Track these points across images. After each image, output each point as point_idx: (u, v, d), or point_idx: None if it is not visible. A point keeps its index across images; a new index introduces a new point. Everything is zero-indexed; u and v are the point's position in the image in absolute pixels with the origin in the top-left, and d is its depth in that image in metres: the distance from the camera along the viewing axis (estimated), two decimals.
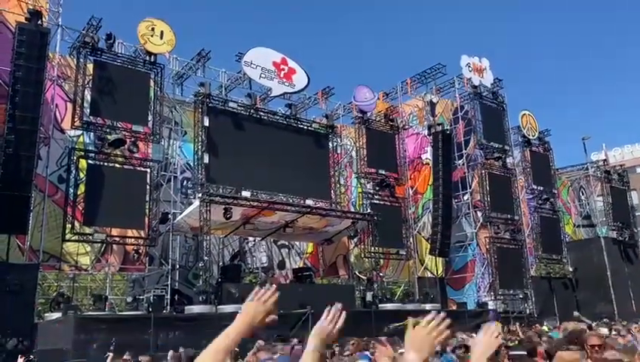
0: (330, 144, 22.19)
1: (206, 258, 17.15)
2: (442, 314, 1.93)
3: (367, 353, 6.29)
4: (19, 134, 14.35)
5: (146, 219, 17.21)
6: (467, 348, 6.52)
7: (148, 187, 17.52)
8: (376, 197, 23.22)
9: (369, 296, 19.63)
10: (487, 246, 23.87)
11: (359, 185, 23.93)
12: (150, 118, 18.01)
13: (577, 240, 30.61)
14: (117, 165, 17.16)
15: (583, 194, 32.84)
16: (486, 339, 2.09)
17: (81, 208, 16.35)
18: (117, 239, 17.40)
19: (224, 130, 18.91)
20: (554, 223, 27.52)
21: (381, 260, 22.41)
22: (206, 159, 17.98)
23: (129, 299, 16.43)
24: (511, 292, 23.94)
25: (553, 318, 21.98)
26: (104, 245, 17.47)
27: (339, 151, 23.42)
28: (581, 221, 32.16)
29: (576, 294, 25.88)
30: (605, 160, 33.17)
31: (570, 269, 27.16)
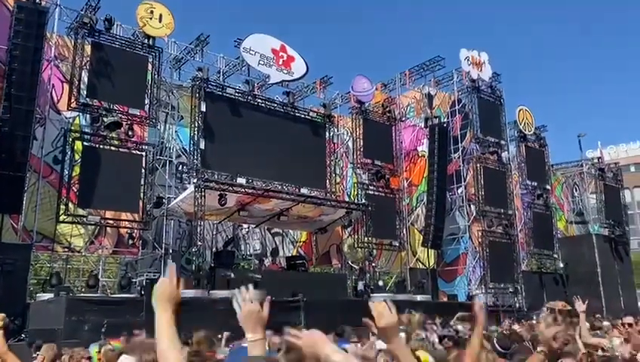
0: (327, 133, 22.20)
1: (199, 243, 17.21)
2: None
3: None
4: (15, 114, 14.27)
5: (141, 202, 17.22)
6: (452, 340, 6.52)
7: (143, 171, 17.51)
8: (371, 187, 23.27)
9: (360, 286, 19.77)
10: (480, 240, 23.98)
11: (354, 176, 23.95)
12: (147, 101, 17.95)
13: (569, 236, 30.78)
14: (112, 148, 17.11)
15: (576, 190, 32.97)
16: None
17: (75, 190, 16.34)
18: (111, 222, 17.42)
19: (221, 116, 18.87)
20: (546, 219, 27.65)
21: (374, 250, 22.51)
22: (202, 144, 17.96)
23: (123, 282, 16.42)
24: (501, 285, 24.09)
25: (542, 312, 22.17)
26: (98, 227, 17.50)
27: (335, 141, 23.45)
28: (574, 217, 32.32)
29: (566, 289, 26.04)
30: (600, 157, 33.21)
31: (561, 265, 27.37)
